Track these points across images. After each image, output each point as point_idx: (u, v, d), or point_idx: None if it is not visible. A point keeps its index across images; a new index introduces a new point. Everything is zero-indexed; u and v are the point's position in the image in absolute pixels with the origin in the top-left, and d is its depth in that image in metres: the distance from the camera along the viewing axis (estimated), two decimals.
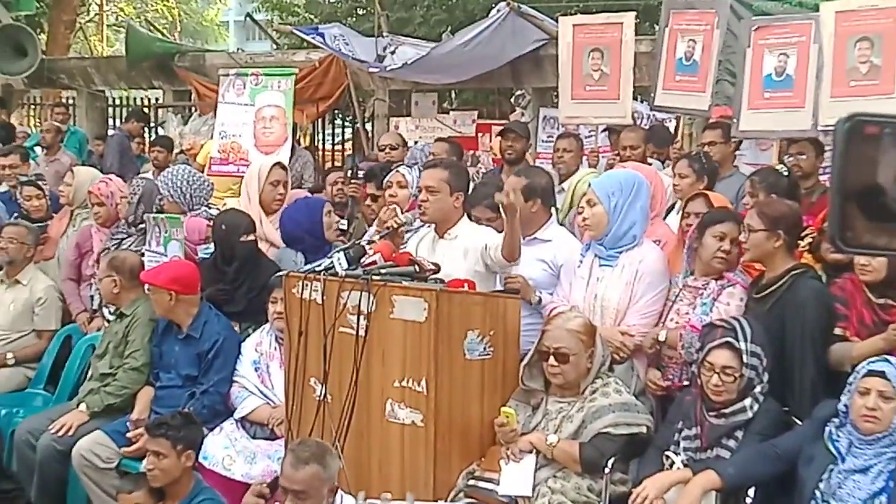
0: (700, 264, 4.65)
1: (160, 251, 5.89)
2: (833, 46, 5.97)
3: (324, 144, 12.77)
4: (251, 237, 5.66)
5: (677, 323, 4.59)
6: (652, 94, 7.23)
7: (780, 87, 6.21)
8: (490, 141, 9.96)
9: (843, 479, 3.69)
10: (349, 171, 7.22)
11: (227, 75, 8.40)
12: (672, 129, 8.81)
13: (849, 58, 5.91)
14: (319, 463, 3.67)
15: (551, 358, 4.23)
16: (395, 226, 4.97)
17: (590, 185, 4.99)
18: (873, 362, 3.78)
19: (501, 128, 8.31)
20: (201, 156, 8.72)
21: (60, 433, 5.29)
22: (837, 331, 4.30)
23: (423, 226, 5.21)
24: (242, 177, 7.47)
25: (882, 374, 3.68)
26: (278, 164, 6.43)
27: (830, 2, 6.18)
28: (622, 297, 4.67)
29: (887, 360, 3.75)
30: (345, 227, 6.66)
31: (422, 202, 5.00)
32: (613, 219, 4.71)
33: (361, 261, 4.55)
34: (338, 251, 4.67)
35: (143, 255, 5.97)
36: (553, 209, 5.42)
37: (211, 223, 6.01)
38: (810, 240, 5.05)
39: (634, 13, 7.46)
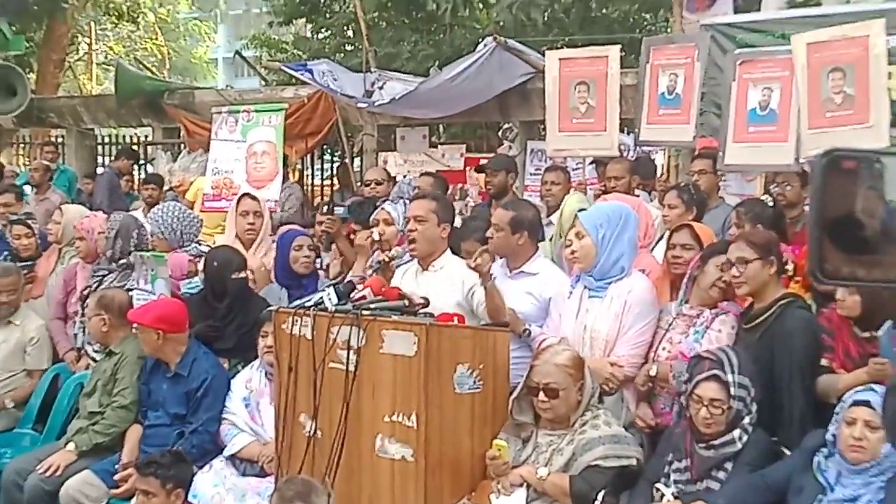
0: (698, 293, 4.67)
1: (148, 289, 5.89)
2: (807, 78, 6.01)
3: (312, 179, 12.80)
4: (242, 274, 5.67)
5: (669, 352, 4.60)
6: (637, 130, 7.29)
7: (763, 121, 6.26)
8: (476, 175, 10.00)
9: None
10: (325, 207, 7.25)
11: (220, 112, 8.47)
12: (658, 162, 8.88)
13: (823, 89, 5.94)
14: (304, 502, 3.66)
15: (541, 393, 4.23)
16: (386, 260, 4.99)
17: (577, 217, 5.01)
18: (859, 391, 3.80)
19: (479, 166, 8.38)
20: (190, 193, 8.75)
21: (48, 473, 5.25)
22: (824, 362, 4.31)
23: (410, 260, 5.24)
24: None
25: (867, 404, 3.69)
26: (246, 194, 6.53)
27: (801, 34, 6.23)
28: (611, 328, 4.67)
29: (873, 390, 3.76)
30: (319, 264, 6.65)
31: (409, 232, 5.03)
32: (601, 250, 4.73)
33: (351, 296, 4.56)
34: (327, 286, 4.69)
35: (129, 291, 5.97)
36: (539, 242, 5.44)
37: (193, 258, 6.05)
38: (793, 264, 5.08)
39: (619, 46, 7.52)
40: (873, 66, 5.76)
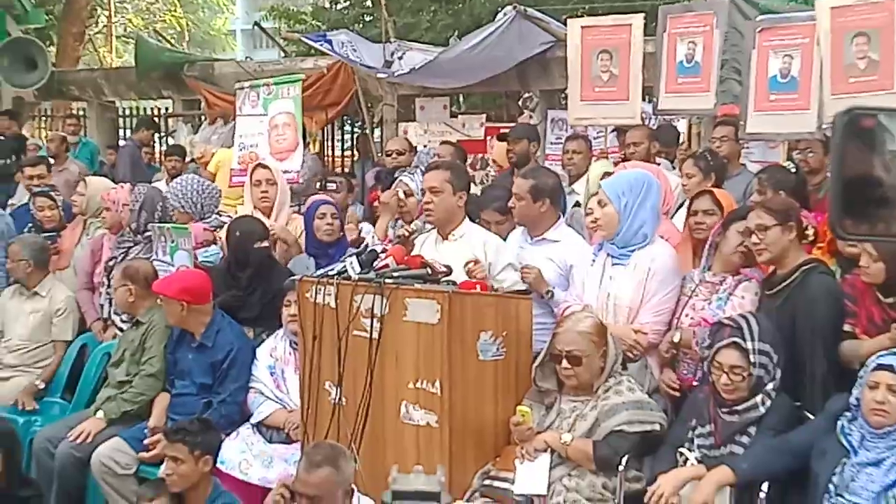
0: (720, 259, 4.67)
1: (167, 261, 5.94)
2: (830, 43, 5.93)
3: (333, 150, 12.81)
4: (265, 243, 5.71)
5: (692, 318, 4.61)
6: (655, 99, 7.25)
7: (785, 89, 6.20)
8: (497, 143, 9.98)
9: (856, 473, 3.70)
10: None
11: (243, 88, 8.51)
12: (679, 130, 8.82)
13: (846, 54, 5.86)
14: (333, 466, 3.70)
15: (564, 361, 4.26)
16: (407, 234, 5.01)
17: (600, 186, 5.01)
18: (882, 356, 3.80)
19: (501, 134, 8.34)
20: (212, 164, 8.77)
21: (79, 440, 5.34)
22: (847, 327, 4.31)
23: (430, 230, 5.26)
24: None
25: (891, 368, 3.69)
26: (259, 164, 6.58)
27: None
28: (634, 296, 4.69)
29: (895, 354, 3.77)
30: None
31: (426, 203, 5.05)
32: (624, 218, 4.74)
33: (374, 264, 4.59)
34: (350, 255, 4.72)
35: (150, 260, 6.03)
36: (562, 210, 5.45)
37: (210, 228, 6.09)
38: (813, 229, 5.07)
39: (643, 14, 7.47)
40: None
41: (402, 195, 5.83)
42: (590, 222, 5.31)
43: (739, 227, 4.59)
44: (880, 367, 3.73)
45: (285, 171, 7.52)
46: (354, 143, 11.91)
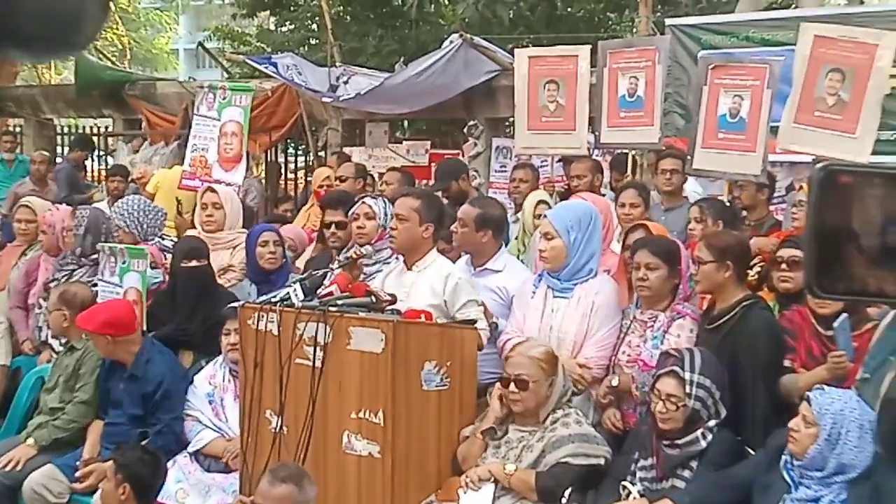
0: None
1: (114, 281, 5.82)
2: (805, 71, 5.94)
3: (278, 173, 12.72)
4: (193, 262, 5.61)
5: (629, 356, 4.62)
6: (597, 133, 7.31)
7: (733, 128, 6.24)
8: None
9: None
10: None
11: (202, 87, 8.40)
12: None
13: (818, 85, 5.87)
14: (296, 484, 3.68)
15: (511, 385, 4.24)
16: (354, 257, 4.96)
17: (545, 216, 5.02)
18: (815, 389, 3.85)
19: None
20: (150, 185, 8.65)
21: (7, 468, 5.19)
22: (787, 363, 4.37)
23: (393, 261, 5.20)
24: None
25: (807, 400, 3.75)
26: (209, 188, 6.56)
27: (812, 24, 6.18)
28: (579, 329, 4.69)
29: (821, 388, 3.81)
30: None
31: (391, 230, 5.00)
32: (572, 253, 4.75)
33: (318, 292, 4.54)
34: (294, 282, 4.66)
35: (95, 285, 5.90)
36: (502, 241, 5.44)
37: (156, 251, 6.02)
38: (759, 269, 5.13)
39: (590, 46, 7.55)
40: (874, 77, 5.69)
41: (361, 219, 5.73)
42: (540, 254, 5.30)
43: (633, 263, 4.62)
44: (806, 398, 3.78)
45: (229, 184, 7.45)
46: (309, 166, 11.84)
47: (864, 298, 1.44)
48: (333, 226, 6.00)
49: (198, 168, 7.81)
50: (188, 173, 7.89)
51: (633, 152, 8.04)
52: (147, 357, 5.30)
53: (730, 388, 4.17)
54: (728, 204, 6.29)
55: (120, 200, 6.76)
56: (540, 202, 6.34)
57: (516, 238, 6.43)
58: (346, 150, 10.73)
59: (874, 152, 5.77)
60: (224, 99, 7.93)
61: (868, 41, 5.77)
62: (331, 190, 7.39)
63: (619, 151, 8.04)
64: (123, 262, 5.80)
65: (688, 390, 4.02)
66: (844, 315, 4.05)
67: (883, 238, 1.36)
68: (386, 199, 5.62)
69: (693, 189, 7.15)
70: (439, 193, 7.44)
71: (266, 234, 5.96)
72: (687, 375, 4.04)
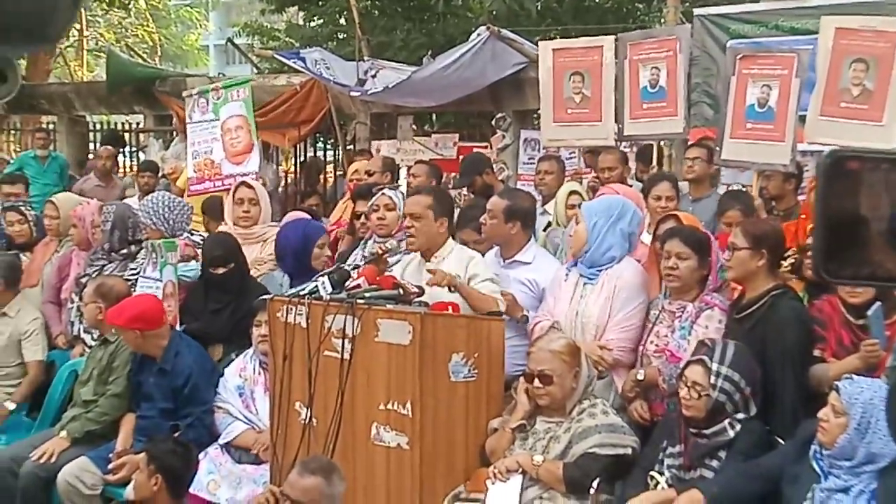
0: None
1: (155, 276, 5.89)
2: (829, 63, 5.94)
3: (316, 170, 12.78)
4: (220, 269, 5.64)
5: (657, 345, 4.61)
6: (619, 126, 7.29)
7: (761, 118, 6.21)
8: None
9: (825, 498, 3.71)
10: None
11: (191, 95, 8.42)
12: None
13: (843, 77, 5.88)
14: (325, 477, 3.70)
15: (535, 380, 4.25)
16: (381, 252, 4.98)
17: (579, 205, 5.06)
18: (843, 378, 3.83)
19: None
20: (181, 180, 8.73)
21: (42, 460, 5.27)
22: (816, 352, 4.34)
23: (407, 249, 5.24)
24: (218, 192, 7.56)
25: (837, 389, 3.73)
26: (244, 183, 6.57)
27: (832, 17, 6.17)
28: (602, 313, 4.70)
29: (850, 378, 3.79)
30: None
31: (407, 229, 5.03)
32: (592, 238, 4.77)
33: (346, 284, 4.57)
34: (322, 275, 4.69)
35: (129, 279, 5.99)
36: (531, 232, 5.46)
37: (189, 243, 6.08)
38: (792, 260, 5.10)
39: (614, 36, 7.52)
40: None
41: (381, 211, 5.74)
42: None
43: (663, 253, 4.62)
44: (835, 388, 3.76)
45: (244, 175, 7.50)
46: (337, 161, 11.89)
47: (873, 283, 1.44)
48: (363, 216, 6.04)
49: (204, 171, 7.85)
50: (194, 179, 7.94)
51: (662, 142, 8.02)
52: (175, 351, 5.35)
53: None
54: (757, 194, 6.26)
55: (146, 198, 6.82)
56: (572, 192, 6.35)
57: (544, 229, 6.43)
58: (375, 143, 10.78)
59: None
60: (219, 99, 7.97)
61: (889, 29, 5.78)
62: (361, 183, 7.43)
63: (645, 143, 8.01)
64: (162, 257, 5.87)
65: (712, 381, 4.01)
66: (878, 303, 4.02)
67: (891, 223, 1.36)
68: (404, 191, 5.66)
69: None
70: (464, 189, 7.48)
71: (324, 238, 5.93)
72: (714, 366, 4.02)
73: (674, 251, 4.55)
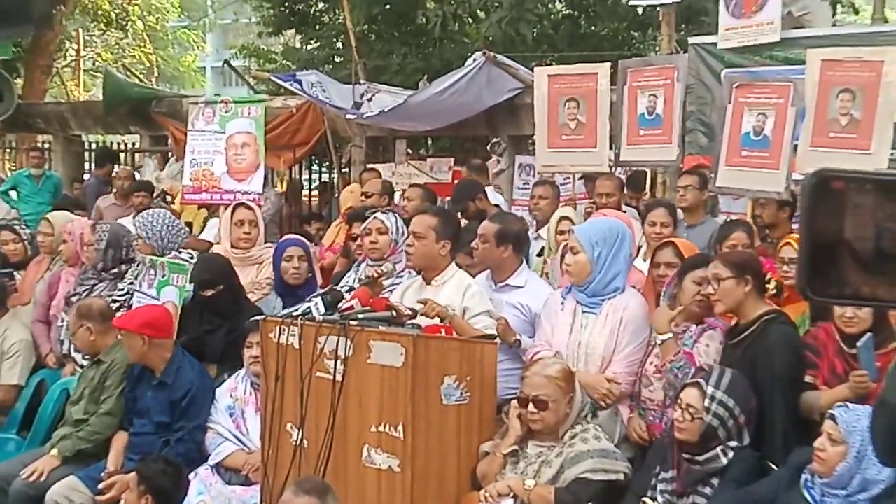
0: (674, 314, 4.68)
1: (151, 294, 5.89)
2: (816, 95, 6.04)
3: (301, 190, 12.80)
4: (209, 291, 5.63)
5: (656, 367, 4.62)
6: (616, 151, 7.34)
7: (757, 146, 6.27)
8: None
9: None
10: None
11: (196, 103, 8.41)
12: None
13: (830, 108, 5.98)
14: (320, 498, 3.67)
15: (530, 405, 4.25)
16: (376, 276, 4.99)
17: (572, 231, 5.04)
18: (837, 406, 3.83)
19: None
20: (178, 203, 8.74)
21: (32, 479, 5.24)
22: (808, 379, 4.35)
23: (406, 274, 5.25)
24: (214, 204, 7.55)
25: (834, 418, 3.73)
26: (242, 204, 6.55)
27: (817, 49, 6.27)
28: (608, 345, 4.69)
29: (846, 406, 3.80)
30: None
31: (407, 247, 5.04)
32: (597, 269, 4.75)
33: (339, 306, 4.57)
34: (315, 296, 4.69)
35: (116, 300, 5.98)
36: (524, 256, 5.46)
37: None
38: (776, 282, 5.12)
39: (609, 63, 7.57)
40: (883, 92, 5.80)
41: (374, 234, 5.75)
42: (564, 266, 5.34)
43: (695, 277, 4.63)
44: (830, 416, 3.77)
45: (245, 193, 7.49)
46: (333, 183, 11.92)
47: (856, 302, 1.45)
48: (358, 239, 6.06)
49: (202, 181, 7.83)
50: (190, 188, 7.91)
51: (658, 170, 8.07)
52: (178, 365, 5.36)
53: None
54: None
55: (145, 212, 6.83)
56: (563, 218, 6.36)
57: (539, 255, 6.44)
58: (371, 166, 10.80)
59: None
60: (227, 112, 7.95)
61: (874, 59, 5.90)
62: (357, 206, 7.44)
63: (635, 169, 8.06)
64: (163, 276, 5.87)
65: (706, 404, 4.01)
66: (869, 335, 4.03)
67: (875, 243, 1.37)
68: (397, 215, 5.66)
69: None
70: (457, 214, 7.48)
71: (291, 249, 5.97)
72: (709, 390, 4.03)
73: (710, 274, 4.52)
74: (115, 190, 10.46)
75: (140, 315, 5.46)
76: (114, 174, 10.99)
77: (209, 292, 5.64)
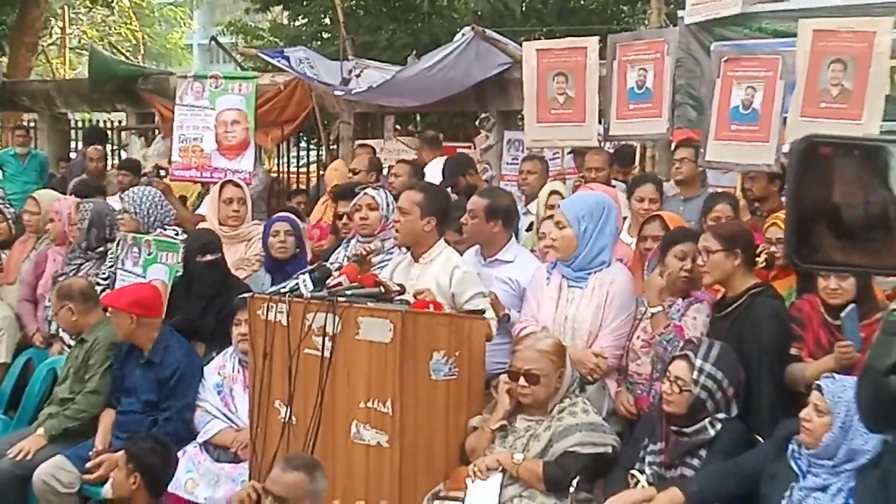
0: (665, 285, 4.68)
1: (136, 272, 5.85)
2: (807, 65, 6.05)
3: (288, 167, 12.74)
4: (208, 256, 5.63)
5: (644, 341, 4.62)
6: (605, 125, 7.31)
7: (746, 120, 6.26)
8: None
9: (804, 497, 3.72)
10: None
11: (185, 77, 8.31)
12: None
13: (821, 78, 5.99)
14: (308, 473, 3.68)
15: (521, 378, 4.24)
16: (365, 253, 4.96)
17: (557, 206, 5.00)
18: (824, 377, 3.83)
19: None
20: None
21: (19, 458, 5.22)
22: (793, 351, 4.35)
23: (395, 252, 5.22)
24: (203, 181, 7.50)
25: (820, 389, 3.74)
26: (230, 181, 6.53)
27: (809, 20, 6.26)
28: (594, 319, 4.68)
29: (832, 377, 3.80)
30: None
31: (394, 222, 5.02)
32: (583, 243, 4.73)
33: (327, 282, 4.55)
34: (303, 273, 4.67)
35: (105, 281, 5.95)
36: (513, 231, 5.44)
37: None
38: (766, 255, 5.10)
39: (598, 37, 7.53)
40: (875, 63, 5.82)
41: (364, 210, 5.72)
42: (543, 245, 5.33)
43: (677, 252, 4.62)
44: (817, 387, 3.77)
45: (236, 171, 7.45)
46: (320, 160, 11.86)
47: (842, 268, 1.44)
48: (346, 217, 6.02)
49: (191, 158, 7.76)
50: (180, 164, 7.85)
51: (648, 143, 8.05)
52: (165, 344, 5.35)
53: None
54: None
55: (134, 188, 6.79)
56: (552, 192, 6.33)
57: (527, 230, 6.42)
58: (358, 143, 10.76)
59: None
60: (216, 88, 7.86)
61: (866, 29, 5.91)
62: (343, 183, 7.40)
63: (624, 144, 8.03)
64: (150, 254, 5.83)
65: (695, 377, 4.02)
66: (852, 305, 4.04)
67: (863, 209, 1.36)
68: (388, 191, 5.63)
69: None
70: (448, 190, 7.46)
71: (277, 224, 5.97)
72: (698, 362, 4.04)
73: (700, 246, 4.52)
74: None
75: (129, 293, 5.43)
76: (87, 155, 10.86)
77: (208, 257, 5.63)
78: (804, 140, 1.39)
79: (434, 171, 8.17)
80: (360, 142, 10.45)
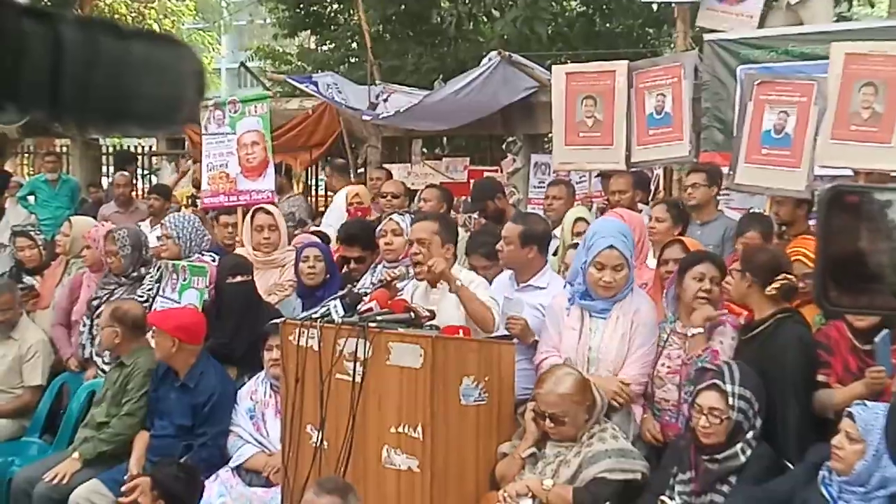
0: (684, 308, 4.68)
1: (174, 298, 5.94)
2: (839, 88, 6.07)
3: (317, 190, 12.85)
4: (238, 278, 5.70)
5: (669, 367, 4.62)
6: (627, 153, 7.33)
7: (778, 144, 6.26)
8: None
9: None
10: None
11: (207, 107, 8.41)
12: (655, 175, 8.93)
13: (853, 101, 6.01)
14: (342, 497, 3.69)
15: (547, 420, 4.25)
16: (390, 279, 5.00)
17: (614, 247, 4.66)
18: (856, 404, 3.83)
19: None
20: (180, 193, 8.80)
21: (55, 481, 5.29)
22: (821, 377, 4.34)
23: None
24: (232, 206, 7.60)
25: (851, 416, 3.73)
26: (261, 209, 6.57)
27: (841, 43, 6.28)
28: (619, 349, 4.65)
29: (864, 404, 3.79)
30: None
31: (413, 255, 5.00)
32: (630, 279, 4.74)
33: (358, 308, 4.59)
34: (334, 298, 4.72)
35: (145, 301, 6.05)
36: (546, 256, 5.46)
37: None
38: (781, 284, 5.07)
39: (626, 61, 7.57)
40: None
41: (389, 236, 5.78)
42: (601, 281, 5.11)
43: (695, 274, 4.62)
44: (848, 414, 3.76)
45: (259, 191, 7.52)
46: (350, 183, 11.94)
47: (872, 311, 1.48)
48: (353, 261, 6.15)
49: (219, 185, 7.86)
50: (209, 192, 7.95)
51: (675, 167, 8.06)
52: (202, 370, 5.40)
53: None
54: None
55: (174, 213, 6.90)
56: (578, 219, 6.34)
57: (553, 255, 6.43)
58: (386, 166, 10.82)
59: None
60: (236, 112, 7.96)
61: None
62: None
63: (639, 169, 8.06)
64: (185, 280, 5.92)
65: (730, 402, 4.02)
66: (886, 331, 4.03)
67: (889, 255, 1.40)
68: (412, 216, 5.69)
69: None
70: (476, 214, 7.50)
71: (307, 250, 6.01)
72: (729, 388, 4.05)
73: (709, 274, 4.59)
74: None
75: (175, 317, 5.50)
76: (115, 182, 11.00)
77: (239, 278, 5.70)
78: (831, 189, 1.44)
79: (340, 201, 8.22)
80: (381, 165, 10.51)
